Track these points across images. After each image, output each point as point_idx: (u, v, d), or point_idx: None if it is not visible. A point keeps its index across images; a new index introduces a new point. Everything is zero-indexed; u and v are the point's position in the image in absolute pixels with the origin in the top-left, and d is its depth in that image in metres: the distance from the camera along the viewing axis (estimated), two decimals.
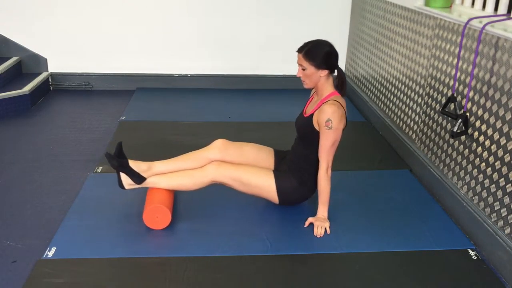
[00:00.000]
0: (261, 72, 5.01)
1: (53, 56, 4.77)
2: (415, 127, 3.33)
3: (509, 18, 2.41)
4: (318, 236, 2.48)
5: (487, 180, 2.45)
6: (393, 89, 3.74)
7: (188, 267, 2.23)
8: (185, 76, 4.96)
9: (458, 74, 2.73)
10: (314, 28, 4.58)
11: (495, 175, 2.37)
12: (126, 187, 2.56)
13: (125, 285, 2.13)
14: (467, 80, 2.64)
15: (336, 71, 2.52)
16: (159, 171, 2.60)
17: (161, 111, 4.28)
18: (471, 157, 2.60)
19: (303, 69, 2.47)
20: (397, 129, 3.62)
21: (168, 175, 2.60)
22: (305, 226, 2.54)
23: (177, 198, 2.76)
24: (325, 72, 2.46)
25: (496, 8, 2.59)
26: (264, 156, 2.73)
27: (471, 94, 2.59)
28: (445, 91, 2.91)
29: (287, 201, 2.66)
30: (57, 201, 2.80)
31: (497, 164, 2.36)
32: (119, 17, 4.69)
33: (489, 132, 2.43)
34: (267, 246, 2.40)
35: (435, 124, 3.03)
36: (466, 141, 2.65)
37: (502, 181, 2.31)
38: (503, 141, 2.31)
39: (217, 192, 2.75)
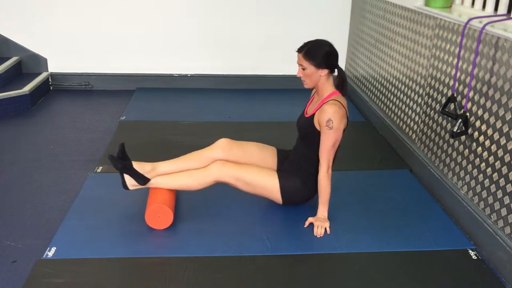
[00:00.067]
0: (261, 72, 5.01)
1: (53, 56, 4.77)
2: (415, 127, 3.33)
3: (509, 18, 2.41)
4: (318, 236, 2.48)
5: (487, 180, 2.45)
6: (393, 89, 3.74)
7: (188, 267, 2.23)
8: (185, 76, 4.96)
9: (458, 74, 2.73)
10: (314, 28, 4.58)
11: (495, 175, 2.37)
12: (130, 188, 2.57)
13: (125, 285, 2.13)
14: (467, 80, 2.64)
15: (336, 70, 2.52)
16: (163, 172, 2.60)
17: (161, 111, 4.28)
18: (471, 157, 2.60)
19: (303, 69, 2.47)
20: (397, 129, 3.62)
21: (172, 175, 2.60)
22: (305, 226, 2.54)
23: (178, 197, 2.76)
24: (325, 71, 2.46)
25: (496, 8, 2.59)
26: (267, 155, 2.73)
27: (471, 94, 2.59)
28: (445, 91, 2.91)
29: (290, 201, 2.66)
30: (57, 201, 2.80)
31: (497, 164, 2.36)
32: (119, 17, 4.69)
33: (489, 132, 2.43)
34: (267, 246, 2.40)
35: (435, 124, 3.03)
36: (466, 141, 2.65)
37: (502, 181, 2.31)
38: (503, 141, 2.31)
39: (218, 192, 2.75)
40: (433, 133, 3.05)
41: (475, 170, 2.56)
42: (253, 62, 4.96)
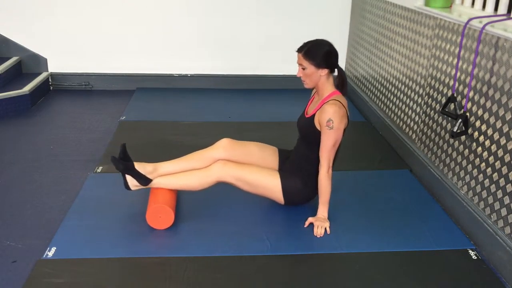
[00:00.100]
0: (261, 72, 5.01)
1: (53, 56, 4.77)
2: (415, 127, 3.33)
3: (509, 18, 2.41)
4: (318, 236, 2.48)
5: (487, 180, 2.45)
6: (393, 89, 3.74)
7: (188, 267, 2.23)
8: (185, 76, 4.96)
9: (458, 74, 2.73)
10: (314, 28, 4.58)
11: (495, 175, 2.37)
12: (132, 188, 2.57)
13: (125, 285, 2.13)
14: (467, 80, 2.64)
15: (336, 70, 2.52)
16: (165, 172, 2.60)
17: (161, 111, 4.28)
18: (471, 157, 2.60)
19: (303, 69, 2.47)
20: (397, 129, 3.62)
21: (174, 175, 2.60)
22: (305, 226, 2.54)
23: (179, 197, 2.76)
24: (325, 71, 2.46)
25: (496, 8, 2.59)
26: (268, 155, 2.73)
27: (471, 94, 2.59)
28: (445, 91, 2.91)
29: (292, 202, 2.66)
30: (57, 201, 2.80)
31: (497, 164, 2.36)
32: (119, 17, 4.69)
33: (489, 132, 2.43)
34: (267, 246, 2.40)
35: (435, 124, 3.03)
36: (466, 141, 2.65)
37: (502, 181, 2.31)
38: (503, 141, 2.31)
39: (218, 192, 2.75)
40: (433, 133, 3.05)
41: (475, 170, 2.56)
42: (253, 62, 4.96)
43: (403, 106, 3.53)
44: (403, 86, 3.55)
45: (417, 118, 3.30)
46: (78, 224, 2.53)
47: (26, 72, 4.71)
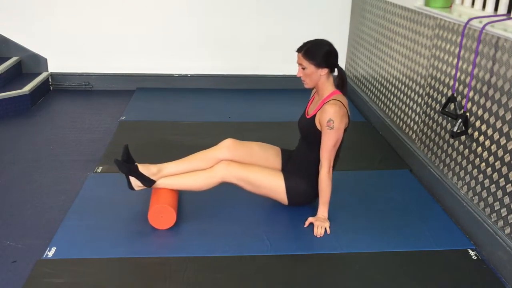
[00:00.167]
0: (261, 72, 5.01)
1: (53, 56, 4.77)
2: (415, 127, 3.33)
3: (509, 18, 2.41)
4: (318, 236, 2.48)
5: (487, 180, 2.45)
6: (393, 89, 3.74)
7: (188, 267, 2.23)
8: (185, 76, 4.96)
9: (458, 74, 2.73)
10: (314, 28, 4.58)
11: (495, 175, 2.37)
12: (136, 188, 2.57)
13: (125, 285, 2.13)
14: (467, 80, 2.64)
15: (336, 70, 2.52)
16: (168, 173, 2.60)
17: (161, 111, 4.28)
18: (471, 157, 2.60)
19: (303, 68, 2.47)
20: (397, 129, 3.62)
21: (177, 176, 2.60)
22: (305, 226, 2.54)
23: (181, 197, 2.75)
24: (325, 70, 2.46)
25: (496, 8, 2.59)
26: (272, 155, 2.73)
27: (471, 94, 2.59)
28: (445, 91, 2.91)
29: (296, 202, 2.66)
30: (57, 201, 2.80)
31: (497, 164, 2.36)
32: (119, 17, 4.69)
33: (489, 132, 2.43)
34: (267, 246, 2.40)
35: (435, 124, 3.03)
36: (466, 141, 2.65)
37: (502, 181, 2.31)
38: (503, 141, 2.31)
39: (219, 192, 2.74)
40: (433, 133, 3.05)
41: (475, 170, 2.56)
42: (253, 62, 4.96)
43: (403, 106, 3.53)
44: (403, 86, 3.55)
45: (417, 118, 3.30)
46: (78, 224, 2.53)
47: (26, 72, 4.71)
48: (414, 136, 3.35)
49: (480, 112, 2.51)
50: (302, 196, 2.64)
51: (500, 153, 2.34)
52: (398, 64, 3.63)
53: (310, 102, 2.67)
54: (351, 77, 4.85)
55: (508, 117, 2.27)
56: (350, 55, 4.86)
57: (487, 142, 2.44)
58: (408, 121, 3.44)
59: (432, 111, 3.07)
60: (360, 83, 4.56)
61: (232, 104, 4.54)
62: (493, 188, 2.39)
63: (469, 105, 2.61)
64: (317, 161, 2.54)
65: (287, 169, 2.68)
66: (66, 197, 2.82)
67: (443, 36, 2.94)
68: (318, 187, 2.57)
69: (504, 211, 2.30)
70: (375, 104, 4.13)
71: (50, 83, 4.81)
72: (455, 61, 2.78)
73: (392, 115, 3.74)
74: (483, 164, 2.48)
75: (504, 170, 2.30)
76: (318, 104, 2.52)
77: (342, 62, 4.83)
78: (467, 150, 2.65)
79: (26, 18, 4.58)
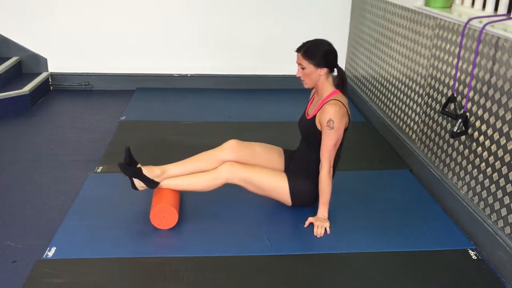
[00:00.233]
0: (261, 72, 5.01)
1: (53, 56, 4.77)
2: (415, 127, 3.33)
3: (509, 18, 2.41)
4: (318, 236, 2.47)
5: (487, 180, 2.45)
6: (393, 89, 3.74)
7: (188, 267, 2.23)
8: (185, 76, 4.96)
9: (458, 74, 2.73)
10: (314, 28, 4.58)
11: (495, 175, 2.37)
12: (140, 188, 2.58)
13: (125, 285, 2.13)
14: (467, 80, 2.64)
15: (336, 70, 2.52)
16: (172, 174, 2.60)
17: (161, 111, 4.28)
18: (471, 157, 2.60)
19: (303, 68, 2.47)
20: (397, 129, 3.62)
21: (181, 177, 2.60)
22: (305, 226, 2.54)
23: (182, 197, 2.75)
24: (325, 70, 2.46)
25: (496, 8, 2.59)
26: (274, 156, 2.73)
27: (471, 94, 2.59)
28: (445, 91, 2.91)
29: (299, 203, 2.65)
30: (57, 201, 2.80)
31: (497, 164, 2.36)
32: (119, 17, 4.69)
33: (489, 132, 2.43)
34: (267, 246, 2.40)
35: (435, 124, 3.03)
36: (466, 141, 2.65)
37: (502, 181, 2.31)
38: (503, 141, 2.31)
39: (219, 192, 2.74)
40: (433, 133, 3.05)
41: (475, 170, 2.56)
42: (253, 62, 4.96)
43: (403, 106, 3.53)
44: (403, 86, 3.55)
45: (417, 118, 3.30)
46: (78, 224, 2.53)
47: (26, 72, 4.71)
48: (414, 136, 3.35)
49: (480, 112, 2.51)
50: (306, 196, 2.63)
51: (500, 153, 2.34)
52: (398, 64, 3.63)
53: (309, 103, 2.67)
54: (351, 77, 4.85)
55: (508, 117, 2.27)
56: (350, 55, 4.86)
57: (487, 142, 2.44)
58: (408, 121, 3.44)
59: (432, 111, 3.07)
60: (360, 83, 4.56)
61: (232, 104, 4.54)
62: (493, 188, 2.39)
63: (469, 105, 2.61)
64: (318, 161, 2.54)
65: (289, 170, 2.68)
66: (66, 197, 2.82)
67: (443, 36, 2.94)
68: (316, 186, 2.57)
69: (504, 211, 2.30)
70: (375, 104, 4.13)
71: (50, 83, 4.81)
72: (455, 61, 2.78)
73: (392, 115, 3.74)
74: (483, 164, 2.48)
75: (504, 170, 2.30)
76: (318, 105, 2.51)
77: (342, 62, 4.84)
78: (467, 150, 2.65)
79: (26, 18, 4.58)
